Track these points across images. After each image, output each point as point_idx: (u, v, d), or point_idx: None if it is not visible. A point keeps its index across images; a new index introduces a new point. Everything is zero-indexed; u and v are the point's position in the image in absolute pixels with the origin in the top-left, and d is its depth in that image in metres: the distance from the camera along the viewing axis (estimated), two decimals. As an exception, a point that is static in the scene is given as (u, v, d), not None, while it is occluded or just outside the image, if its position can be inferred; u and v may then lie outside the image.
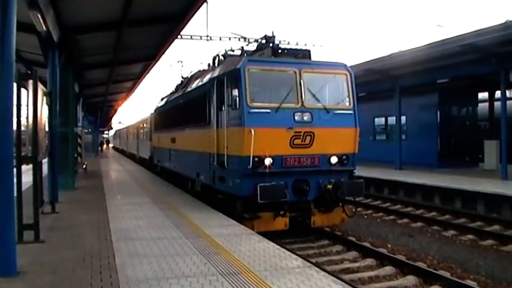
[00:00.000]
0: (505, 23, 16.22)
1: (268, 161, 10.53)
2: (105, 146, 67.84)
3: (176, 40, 18.08)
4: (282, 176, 10.72)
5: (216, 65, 14.82)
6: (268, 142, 10.51)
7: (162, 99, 24.59)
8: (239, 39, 13.99)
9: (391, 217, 15.37)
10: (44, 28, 11.21)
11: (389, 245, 11.44)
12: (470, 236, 12.37)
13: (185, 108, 16.88)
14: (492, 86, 25.04)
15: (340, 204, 11.62)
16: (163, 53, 19.44)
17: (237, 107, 10.81)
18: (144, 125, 32.39)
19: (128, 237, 8.92)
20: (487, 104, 26.96)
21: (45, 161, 12.68)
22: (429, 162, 24.35)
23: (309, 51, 12.44)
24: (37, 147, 8.68)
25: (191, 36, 25.72)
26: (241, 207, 10.93)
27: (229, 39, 24.93)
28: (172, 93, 21.63)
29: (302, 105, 10.98)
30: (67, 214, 11.68)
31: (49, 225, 10.00)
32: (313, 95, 11.24)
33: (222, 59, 14.59)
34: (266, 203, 10.29)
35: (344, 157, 11.40)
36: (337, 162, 11.29)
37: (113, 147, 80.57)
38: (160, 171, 23.54)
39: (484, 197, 15.61)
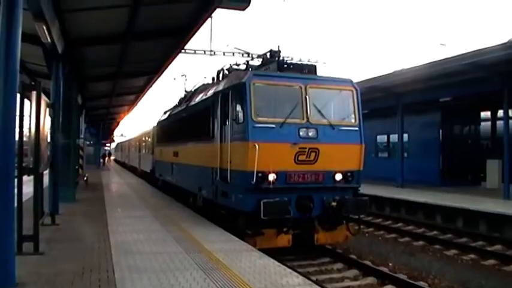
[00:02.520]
0: (507, 42, 16.27)
1: (272, 177, 10.36)
2: (106, 158, 67.75)
3: (180, 54, 18.18)
4: (285, 192, 10.50)
5: (221, 79, 14.74)
6: (273, 157, 10.33)
7: (165, 113, 24.44)
8: (242, 55, 14.04)
9: (393, 235, 15.28)
10: (49, 40, 11.26)
11: (390, 264, 11.35)
12: (472, 256, 12.29)
13: (188, 121, 16.69)
14: (495, 105, 25.06)
15: (344, 221, 11.49)
16: (166, 67, 19.50)
17: (242, 121, 10.70)
18: (146, 138, 32.21)
19: (127, 250, 8.86)
20: (489, 122, 26.96)
21: (46, 172, 12.65)
22: (431, 181, 24.29)
23: (315, 66, 12.27)
24: (39, 159, 8.67)
25: (195, 51, 25.90)
26: (244, 223, 10.76)
27: (233, 54, 25.02)
28: (175, 107, 21.45)
29: (307, 120, 10.86)
30: (67, 226, 11.65)
31: (49, 237, 9.95)
32: (319, 111, 11.11)
33: (227, 73, 14.49)
34: (269, 220, 10.11)
35: (349, 174, 11.24)
36: (341, 179, 11.12)
37: (114, 160, 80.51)
38: (162, 185, 23.25)
39: (486, 216, 15.52)
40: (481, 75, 18.73)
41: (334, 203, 10.86)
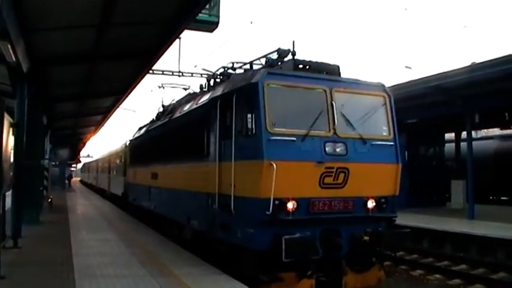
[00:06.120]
0: (470, 65, 16.71)
1: (291, 205, 8.23)
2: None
3: (147, 75, 18.14)
4: (307, 224, 8.37)
5: (212, 85, 12.54)
6: (293, 180, 8.27)
7: (139, 129, 22.05)
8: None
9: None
10: (14, 59, 11.10)
11: (358, 285, 11.33)
12: (437, 276, 12.41)
13: (172, 137, 14.28)
14: (458, 127, 25.60)
15: (376, 260, 9.38)
16: (134, 88, 19.42)
17: (252, 133, 8.53)
18: (117, 158, 29.75)
19: (91, 274, 8.68)
20: (453, 144, 27.53)
21: (8, 193, 12.36)
22: (397, 201, 24.48)
23: (338, 66, 10.00)
24: (1, 180, 8.47)
25: (163, 71, 25.75)
26: (253, 266, 8.59)
27: (201, 75, 25.05)
28: (153, 122, 18.88)
29: (334, 133, 8.77)
30: (30, 249, 11.35)
31: (10, 261, 9.68)
32: (347, 121, 9.04)
33: (220, 78, 12.22)
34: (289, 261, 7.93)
35: (383, 200, 9.22)
36: (374, 207, 9.09)
37: (81, 181, 79.17)
38: (136, 211, 20.58)
39: (451, 236, 15.73)
40: (445, 98, 19.14)
41: (366, 237, 8.72)
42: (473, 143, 20.33)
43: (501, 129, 28.44)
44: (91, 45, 12.76)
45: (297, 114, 8.97)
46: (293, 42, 10.19)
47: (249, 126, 8.63)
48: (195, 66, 32.03)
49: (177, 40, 13.50)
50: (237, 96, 9.13)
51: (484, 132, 35.07)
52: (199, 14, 13.84)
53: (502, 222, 17.33)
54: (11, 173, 12.91)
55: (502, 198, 28.54)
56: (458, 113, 19.84)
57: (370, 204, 9.01)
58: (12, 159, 12.83)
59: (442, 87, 18.00)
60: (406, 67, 34.71)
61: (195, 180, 11.27)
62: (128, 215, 21.71)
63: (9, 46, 10.17)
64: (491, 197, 28.14)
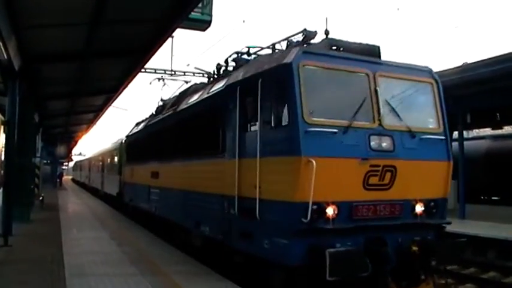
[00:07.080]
0: (462, 65, 16.76)
1: (331, 211, 6.94)
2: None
3: (140, 73, 18.10)
4: (348, 233, 7.06)
5: (223, 72, 11.42)
6: (333, 180, 7.03)
7: (137, 124, 20.84)
8: (203, 75, 13.66)
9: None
10: (5, 56, 11.06)
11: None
12: (428, 275, 12.44)
13: (177, 132, 12.84)
14: (450, 127, 25.66)
15: (424, 273, 8.02)
16: (126, 86, 19.33)
17: (285, 124, 7.22)
18: (111, 156, 28.62)
19: (82, 273, 8.66)
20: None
21: (-1, 191, 12.32)
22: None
23: (379, 47, 8.61)
24: (-9, 178, 8.43)
25: (155, 70, 25.63)
26: (283, 284, 7.35)
27: (194, 74, 24.99)
28: (153, 116, 17.43)
29: (379, 124, 7.55)
30: (20, 248, 11.32)
31: (0, 259, 9.69)
32: (393, 110, 7.81)
33: (234, 65, 10.84)
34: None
35: (432, 204, 7.98)
36: (423, 212, 7.84)
37: (73, 180, 78.80)
38: (133, 212, 19.27)
39: (442, 236, 15.77)
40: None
41: (415, 248, 7.47)
42: (465, 143, 20.44)
43: (492, 129, 28.55)
44: (83, 43, 12.70)
45: (336, 101, 7.73)
46: (326, 19, 9.09)
47: (281, 115, 7.31)
48: (188, 65, 32.01)
49: (170, 39, 13.45)
50: (263, 81, 7.81)
51: (475, 133, 35.20)
52: (192, 13, 13.81)
53: (493, 221, 17.43)
54: (2, 171, 12.87)
55: (493, 198, 28.68)
56: (449, 113, 19.83)
57: (419, 208, 7.80)
58: (3, 157, 12.78)
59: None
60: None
61: (206, 180, 10.03)
62: (120, 213, 21.51)
63: (0, 43, 10.12)
64: (482, 197, 28.26)
